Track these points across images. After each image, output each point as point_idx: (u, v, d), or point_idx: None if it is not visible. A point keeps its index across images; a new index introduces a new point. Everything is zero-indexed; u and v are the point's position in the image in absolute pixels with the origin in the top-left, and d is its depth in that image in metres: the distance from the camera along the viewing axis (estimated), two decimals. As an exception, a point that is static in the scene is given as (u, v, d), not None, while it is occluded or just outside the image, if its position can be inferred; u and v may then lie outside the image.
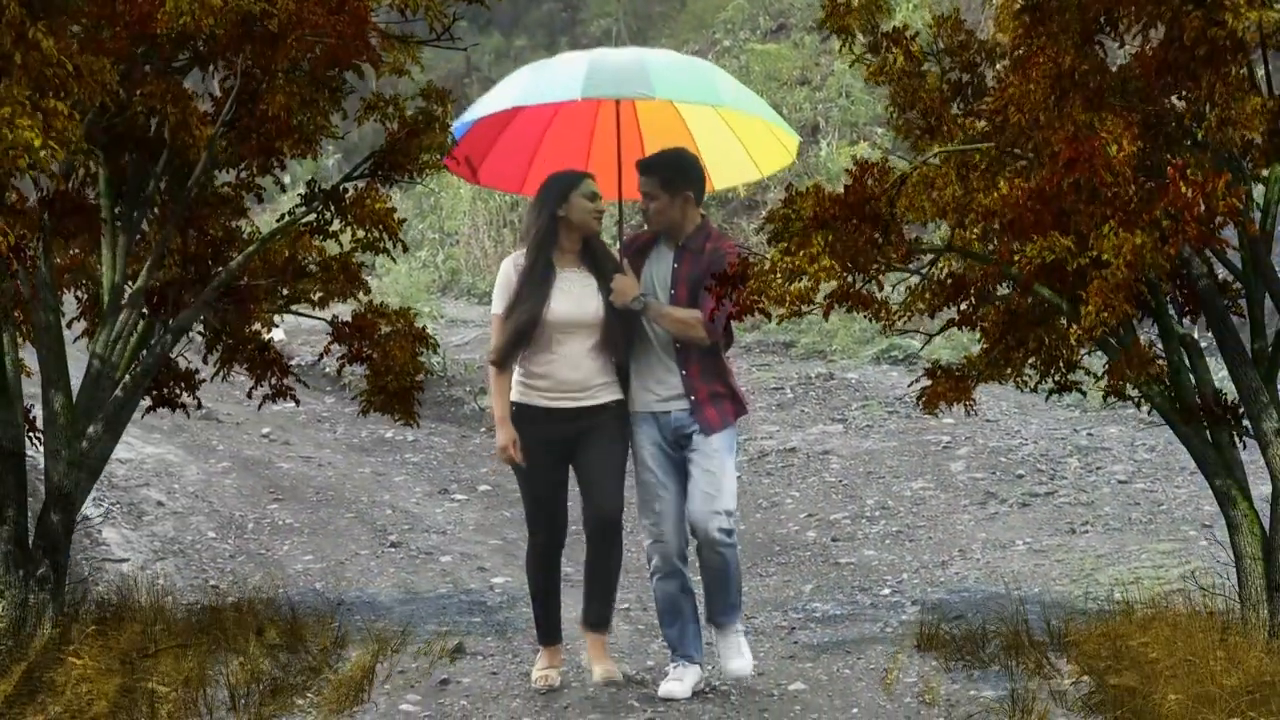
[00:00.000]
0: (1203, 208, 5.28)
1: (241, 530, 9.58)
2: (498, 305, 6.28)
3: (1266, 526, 6.04)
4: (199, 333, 7.23)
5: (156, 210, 6.87)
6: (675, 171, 6.34)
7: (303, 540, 9.43)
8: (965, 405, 6.41)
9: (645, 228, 6.58)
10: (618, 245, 6.58)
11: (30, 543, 6.50)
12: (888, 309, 5.91)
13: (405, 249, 7.22)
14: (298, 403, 7.61)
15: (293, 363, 8.65)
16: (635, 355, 6.32)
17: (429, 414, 11.45)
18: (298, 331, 13.57)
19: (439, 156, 6.74)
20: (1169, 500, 9.58)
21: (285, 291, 7.19)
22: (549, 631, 6.41)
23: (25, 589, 6.40)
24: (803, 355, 13.89)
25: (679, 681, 6.24)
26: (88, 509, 8.71)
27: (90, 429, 6.60)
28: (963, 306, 6.36)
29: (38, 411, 6.63)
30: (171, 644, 6.32)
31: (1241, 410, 6.09)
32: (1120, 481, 10.03)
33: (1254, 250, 5.95)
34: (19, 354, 6.63)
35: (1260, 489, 6.60)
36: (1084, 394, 6.72)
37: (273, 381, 7.33)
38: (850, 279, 5.74)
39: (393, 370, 7.04)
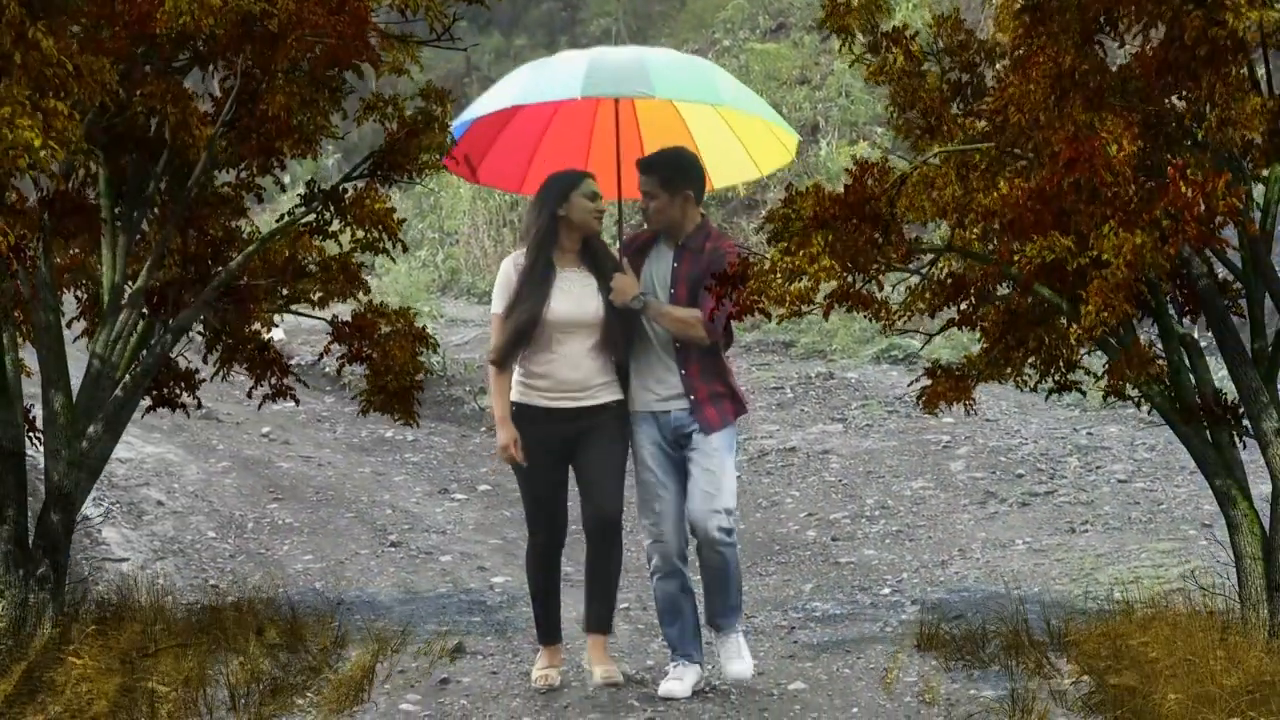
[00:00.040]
0: (1202, 208, 5.28)
1: (241, 530, 9.58)
2: (497, 305, 6.28)
3: (1266, 526, 6.04)
4: (199, 332, 7.22)
5: (156, 210, 6.87)
6: (675, 170, 6.34)
7: (302, 540, 9.43)
8: (965, 405, 6.41)
9: (645, 227, 6.57)
10: (617, 244, 6.58)
11: (30, 542, 6.50)
12: (888, 309, 5.91)
13: (405, 249, 7.22)
14: (297, 402, 7.61)
15: (292, 362, 8.65)
16: (635, 355, 6.32)
17: (429, 413, 11.45)
18: (297, 331, 13.57)
19: (438, 157, 6.74)
20: (1169, 499, 9.58)
21: (285, 291, 7.18)
22: (549, 631, 6.41)
23: (25, 588, 6.40)
24: (803, 355, 13.89)
25: (679, 681, 6.24)
26: (88, 508, 8.71)
27: (90, 429, 6.60)
28: (963, 306, 6.36)
29: (38, 411, 6.63)
30: (171, 644, 6.32)
31: (1241, 410, 6.09)
32: (1120, 481, 10.03)
33: (1254, 250, 5.95)
34: (19, 354, 6.63)
35: (1260, 488, 6.60)
36: (1084, 394, 6.73)
37: (273, 381, 7.33)
38: (850, 279, 5.73)
39: (392, 370, 7.04)
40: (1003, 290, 6.35)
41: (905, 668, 6.48)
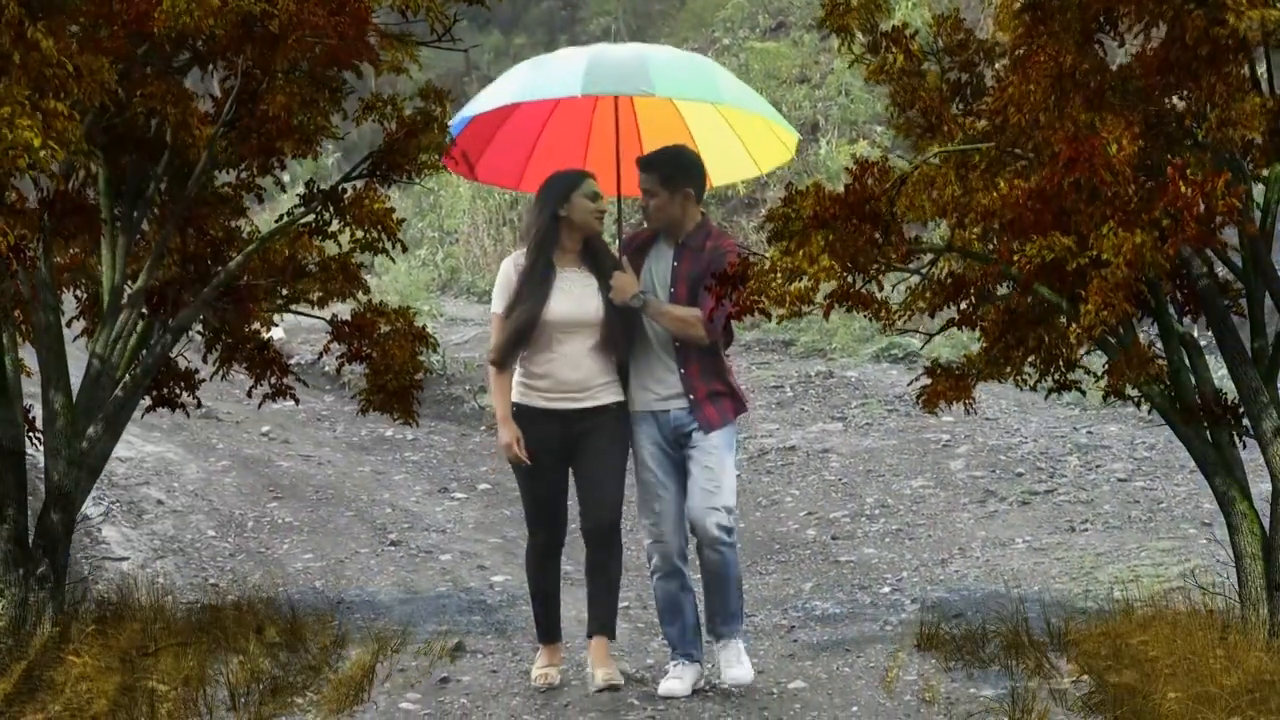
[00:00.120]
0: (1202, 208, 5.28)
1: (241, 529, 9.58)
2: (498, 305, 6.28)
3: (1266, 526, 6.04)
4: (198, 332, 7.23)
5: (156, 210, 6.86)
6: (676, 169, 6.34)
7: (302, 539, 9.43)
8: (965, 404, 6.41)
9: (645, 225, 6.57)
10: (617, 243, 6.58)
11: (30, 541, 6.51)
12: (888, 309, 5.91)
13: (404, 249, 7.21)
14: (297, 401, 7.61)
15: (292, 361, 8.65)
16: (634, 354, 6.31)
17: (428, 412, 11.45)
18: (297, 330, 13.57)
19: (437, 156, 6.74)
20: (1168, 498, 9.58)
21: (285, 291, 7.18)
22: (549, 630, 6.40)
23: (25, 588, 6.41)
24: (802, 353, 13.89)
25: (679, 680, 6.24)
26: (88, 508, 8.71)
27: (90, 429, 6.60)
28: (962, 306, 6.36)
29: (38, 411, 6.63)
30: (171, 643, 6.32)
31: (1241, 410, 6.09)
32: (1120, 479, 10.03)
33: (1254, 249, 5.95)
34: (19, 353, 6.63)
35: (1260, 487, 6.60)
36: (1083, 393, 6.72)
37: (272, 380, 7.33)
38: (850, 279, 5.73)
39: (392, 369, 7.04)
40: (1002, 290, 6.35)
41: (905, 667, 6.48)
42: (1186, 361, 6.15)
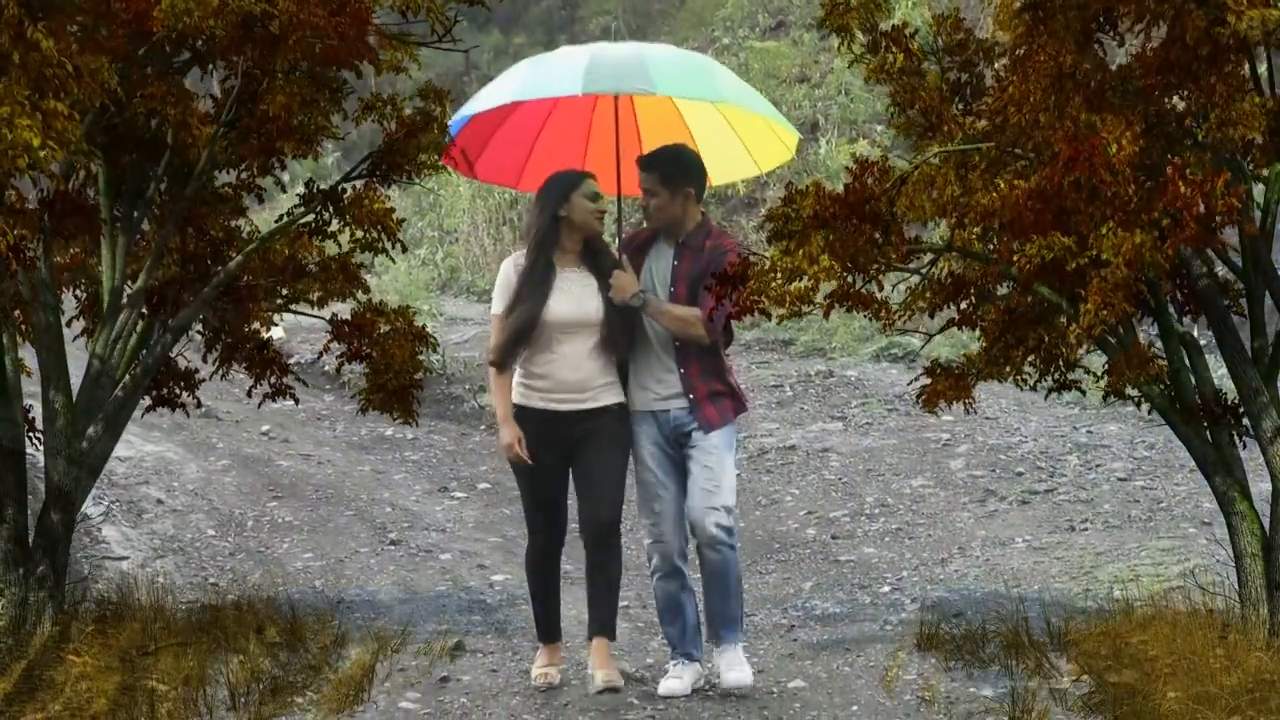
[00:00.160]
0: (1201, 208, 5.28)
1: (241, 528, 9.58)
2: (497, 305, 6.27)
3: (1266, 525, 6.03)
4: (198, 332, 7.22)
5: (156, 210, 6.86)
6: (676, 168, 6.33)
7: (302, 538, 9.43)
8: (965, 403, 6.41)
9: (645, 224, 6.57)
10: (617, 242, 6.57)
11: (30, 541, 6.50)
12: (888, 309, 5.91)
13: (404, 249, 7.21)
14: (297, 401, 7.61)
15: (292, 361, 8.65)
16: (634, 354, 6.30)
17: (428, 412, 11.44)
18: (297, 329, 13.57)
19: (437, 156, 6.74)
20: (1168, 497, 9.58)
21: (285, 291, 7.18)
22: (549, 629, 6.40)
23: (25, 587, 6.41)
24: (802, 353, 13.89)
25: (679, 679, 6.24)
26: (88, 507, 8.71)
27: (90, 429, 6.60)
28: (963, 306, 6.36)
29: (38, 411, 6.63)
30: (171, 642, 6.32)
31: (1241, 409, 6.09)
32: (1120, 479, 10.03)
33: (1254, 248, 5.95)
34: (19, 353, 6.63)
35: (1260, 486, 6.60)
36: (1083, 392, 6.72)
37: (272, 380, 7.33)
38: (850, 279, 5.73)
39: (392, 369, 7.03)
40: (1002, 290, 6.35)
41: (905, 666, 6.48)
42: (1186, 361, 6.15)
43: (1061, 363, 6.44)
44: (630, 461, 6.34)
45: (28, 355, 6.70)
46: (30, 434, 6.73)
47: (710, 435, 6.24)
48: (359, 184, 6.86)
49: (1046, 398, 6.91)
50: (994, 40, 6.48)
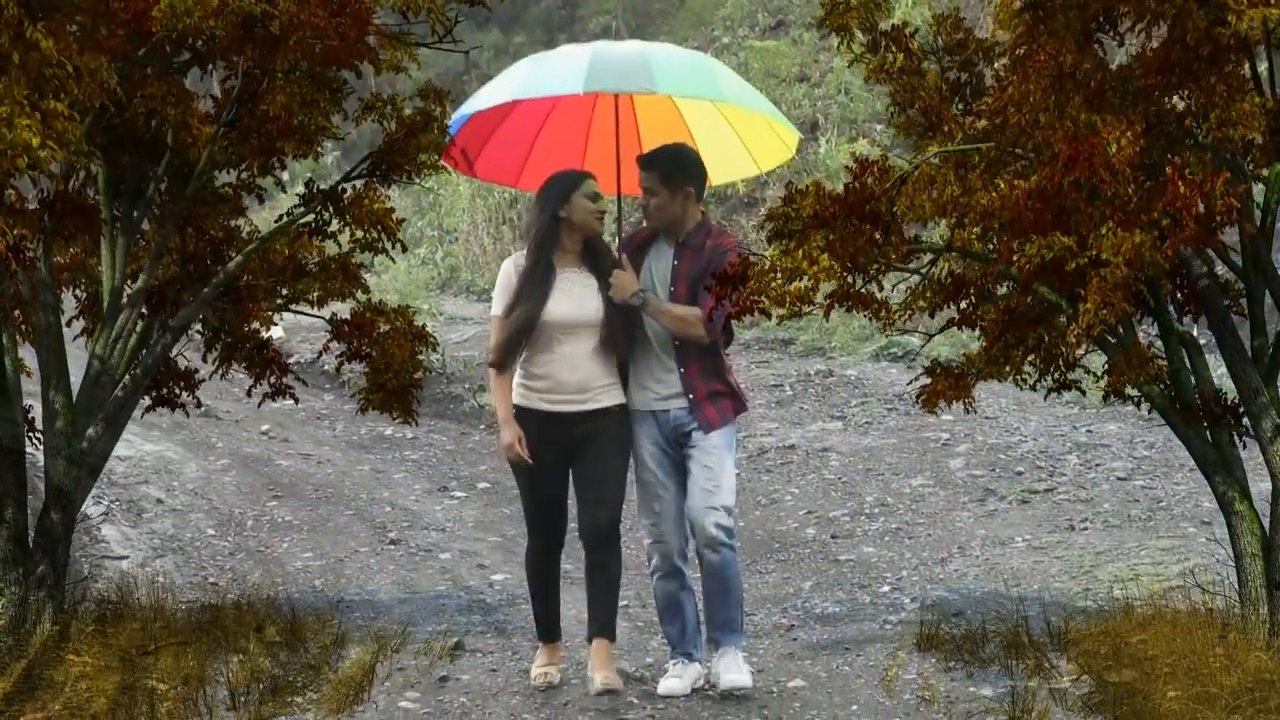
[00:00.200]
0: (1201, 207, 5.28)
1: (241, 528, 9.58)
2: (497, 306, 6.26)
3: (1266, 525, 6.03)
4: (198, 331, 7.22)
5: (156, 210, 6.86)
6: (676, 167, 6.33)
7: (302, 538, 9.43)
8: (965, 403, 6.40)
9: (644, 224, 6.56)
10: (617, 241, 6.57)
11: (30, 541, 6.50)
12: (888, 309, 5.90)
13: (404, 249, 7.20)
14: (297, 400, 7.61)
15: (292, 360, 8.66)
16: (634, 353, 6.30)
17: (428, 411, 11.45)
18: (296, 329, 13.57)
19: (437, 156, 6.73)
20: (1168, 497, 9.59)
21: (284, 291, 7.18)
22: (548, 628, 6.40)
23: (25, 587, 6.40)
24: (802, 352, 13.89)
25: (679, 679, 6.24)
26: (87, 507, 8.71)
27: (90, 429, 6.60)
28: (962, 305, 6.35)
29: (38, 411, 6.63)
30: (171, 642, 6.32)
31: (1241, 409, 6.09)
32: (1119, 478, 10.03)
33: (1254, 248, 5.95)
34: (19, 353, 6.63)
35: (1260, 486, 6.60)
36: (1083, 392, 6.72)
37: (272, 379, 7.33)
38: (850, 279, 5.72)
39: (391, 368, 7.03)
40: (1002, 290, 6.34)
41: (905, 666, 6.48)
42: (1186, 361, 6.15)
43: (1061, 362, 6.44)
44: (630, 462, 6.33)
45: (28, 355, 6.70)
46: (30, 434, 6.72)
47: (710, 435, 6.23)
48: (359, 184, 6.86)
49: (1046, 397, 6.91)
50: (994, 40, 6.48)
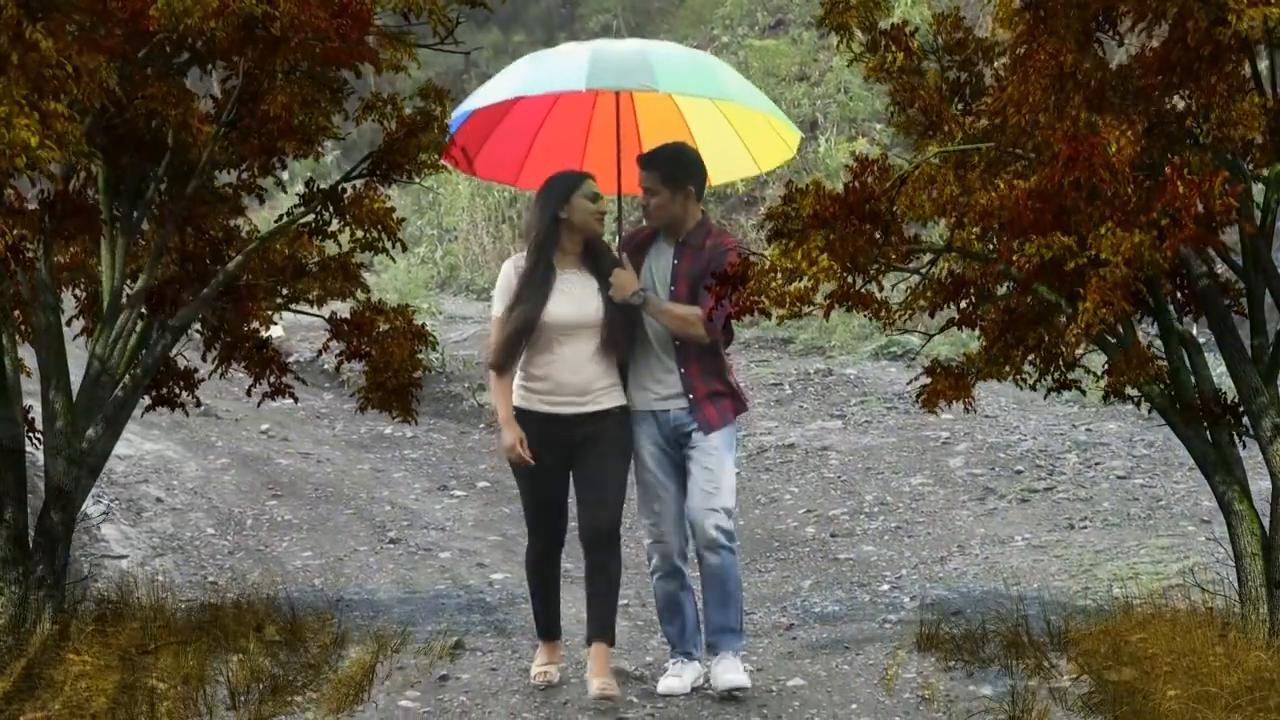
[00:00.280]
0: (1200, 207, 5.28)
1: (240, 527, 9.58)
2: (497, 308, 6.24)
3: (1266, 525, 6.03)
4: (197, 331, 7.22)
5: (156, 210, 6.86)
6: (677, 167, 6.32)
7: (302, 537, 9.43)
8: (964, 402, 6.40)
9: (644, 223, 6.55)
10: (617, 240, 6.56)
11: (30, 540, 6.50)
12: (888, 308, 5.90)
13: (404, 248, 7.20)
14: (296, 399, 7.61)
15: (291, 359, 8.66)
16: (634, 353, 6.29)
17: (427, 410, 11.45)
18: (296, 328, 13.57)
19: (437, 156, 6.73)
20: (1167, 495, 9.59)
21: (284, 291, 7.18)
22: (548, 627, 6.40)
23: (25, 586, 6.41)
24: (801, 351, 13.89)
25: (678, 678, 6.24)
26: (87, 506, 8.71)
27: (90, 429, 6.60)
28: (962, 305, 6.35)
29: (37, 410, 6.63)
30: (171, 641, 6.32)
31: (1241, 409, 6.09)
32: (1119, 477, 10.03)
33: (1254, 247, 5.95)
34: (19, 353, 6.63)
35: (1260, 485, 6.60)
36: (1083, 392, 6.72)
37: (271, 379, 7.33)
38: (850, 279, 5.72)
39: (391, 367, 7.03)
40: (1002, 290, 6.34)
41: (904, 665, 6.48)
42: (1186, 361, 6.15)
43: (1061, 362, 6.44)
44: (630, 463, 6.32)
45: (28, 355, 6.70)
46: (30, 434, 6.73)
47: (710, 436, 6.23)
48: (359, 183, 6.86)
49: (1046, 397, 6.91)
50: (994, 39, 6.48)
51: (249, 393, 7.40)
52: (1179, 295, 6.29)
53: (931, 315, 6.59)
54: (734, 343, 7.89)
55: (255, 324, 7.28)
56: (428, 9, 6.40)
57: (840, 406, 12.19)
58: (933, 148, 6.03)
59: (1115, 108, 5.55)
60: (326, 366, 9.51)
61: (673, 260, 6.31)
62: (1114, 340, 6.08)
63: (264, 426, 12.09)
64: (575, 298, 6.18)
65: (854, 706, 6.03)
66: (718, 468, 6.20)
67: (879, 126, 16.09)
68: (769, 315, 5.76)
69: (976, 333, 6.39)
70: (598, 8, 24.67)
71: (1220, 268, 6.30)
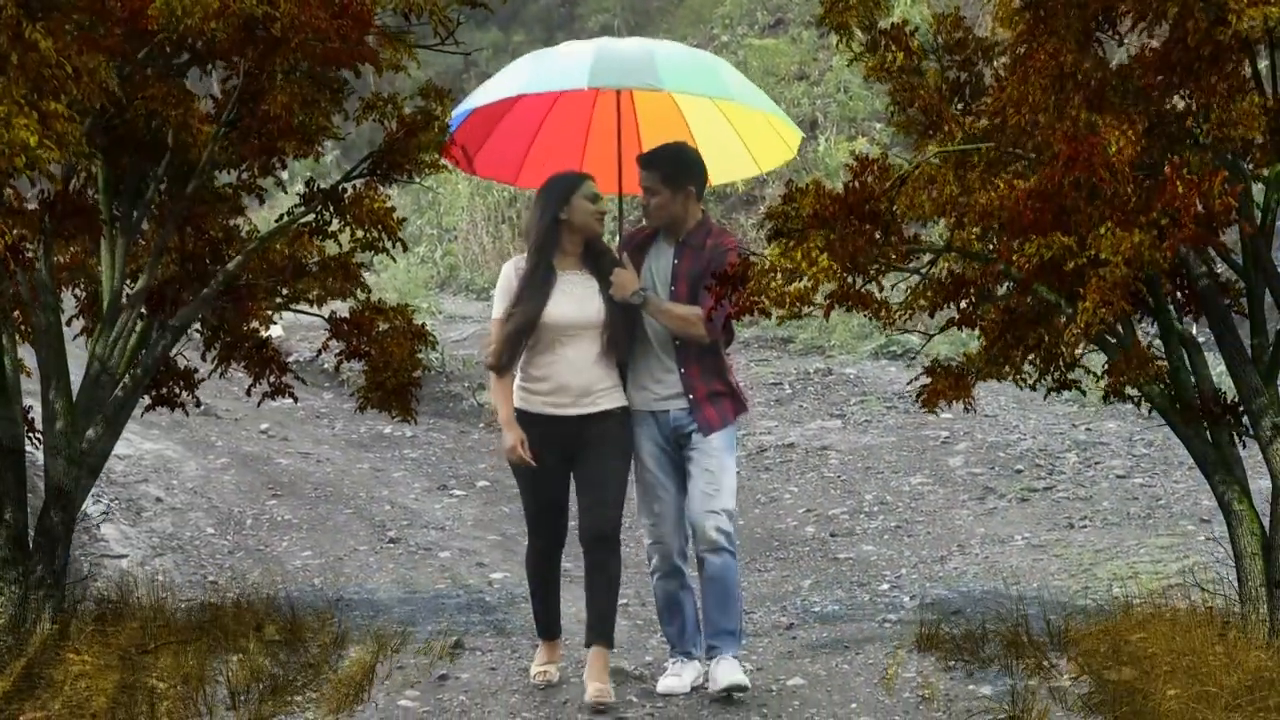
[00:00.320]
0: (1200, 207, 5.28)
1: (240, 526, 9.58)
2: (498, 309, 6.23)
3: (1266, 525, 6.03)
4: (197, 330, 7.22)
5: (155, 210, 6.86)
6: (677, 166, 6.31)
7: (301, 536, 9.43)
8: (964, 402, 6.40)
9: (644, 223, 6.55)
10: (617, 239, 6.56)
11: (30, 540, 6.50)
12: (888, 308, 5.90)
13: (405, 248, 7.20)
14: (296, 399, 7.61)
15: (291, 359, 8.66)
16: (633, 354, 6.28)
17: (427, 410, 11.45)
18: (296, 327, 13.57)
19: (437, 155, 6.73)
20: (1167, 495, 9.59)
21: (284, 291, 7.18)
22: (548, 627, 6.40)
23: (25, 586, 6.41)
24: (801, 350, 13.89)
25: (678, 677, 6.24)
26: (87, 506, 8.71)
27: (90, 429, 6.60)
28: (962, 305, 6.35)
29: (37, 411, 6.63)
30: (171, 641, 6.32)
31: (1241, 409, 6.09)
32: (1119, 476, 10.03)
33: (1255, 247, 5.95)
34: (19, 353, 6.63)
35: (1260, 485, 6.60)
36: (1083, 392, 6.72)
37: (271, 378, 7.33)
38: (850, 279, 5.72)
39: (390, 367, 7.03)
40: (1002, 290, 6.34)
41: (904, 664, 6.48)
42: (1186, 361, 6.14)
43: (1061, 362, 6.44)
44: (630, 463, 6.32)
45: (28, 355, 6.70)
46: (30, 434, 6.73)
47: (710, 438, 6.21)
48: (359, 183, 6.85)
49: (1046, 397, 6.90)
50: (994, 39, 6.47)
51: (249, 392, 7.40)
52: (1179, 295, 6.29)
53: (931, 315, 6.59)
54: (734, 342, 7.90)
55: (255, 324, 7.28)
56: (428, 9, 6.39)
57: (840, 406, 12.19)
58: (933, 147, 6.02)
59: (1115, 108, 5.55)
60: (326, 366, 9.51)
61: (673, 260, 6.30)
62: (1114, 340, 6.08)
63: (264, 426, 12.09)
64: (576, 299, 6.17)
65: (854, 706, 6.03)
66: (718, 470, 6.19)
67: (879, 126, 16.09)
68: (769, 315, 5.76)
69: (976, 333, 6.39)
70: (597, 7, 24.68)
71: (1220, 267, 6.30)
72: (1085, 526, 9.11)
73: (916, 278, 6.21)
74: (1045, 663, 6.19)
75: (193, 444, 11.40)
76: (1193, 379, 6.14)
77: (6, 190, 6.12)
